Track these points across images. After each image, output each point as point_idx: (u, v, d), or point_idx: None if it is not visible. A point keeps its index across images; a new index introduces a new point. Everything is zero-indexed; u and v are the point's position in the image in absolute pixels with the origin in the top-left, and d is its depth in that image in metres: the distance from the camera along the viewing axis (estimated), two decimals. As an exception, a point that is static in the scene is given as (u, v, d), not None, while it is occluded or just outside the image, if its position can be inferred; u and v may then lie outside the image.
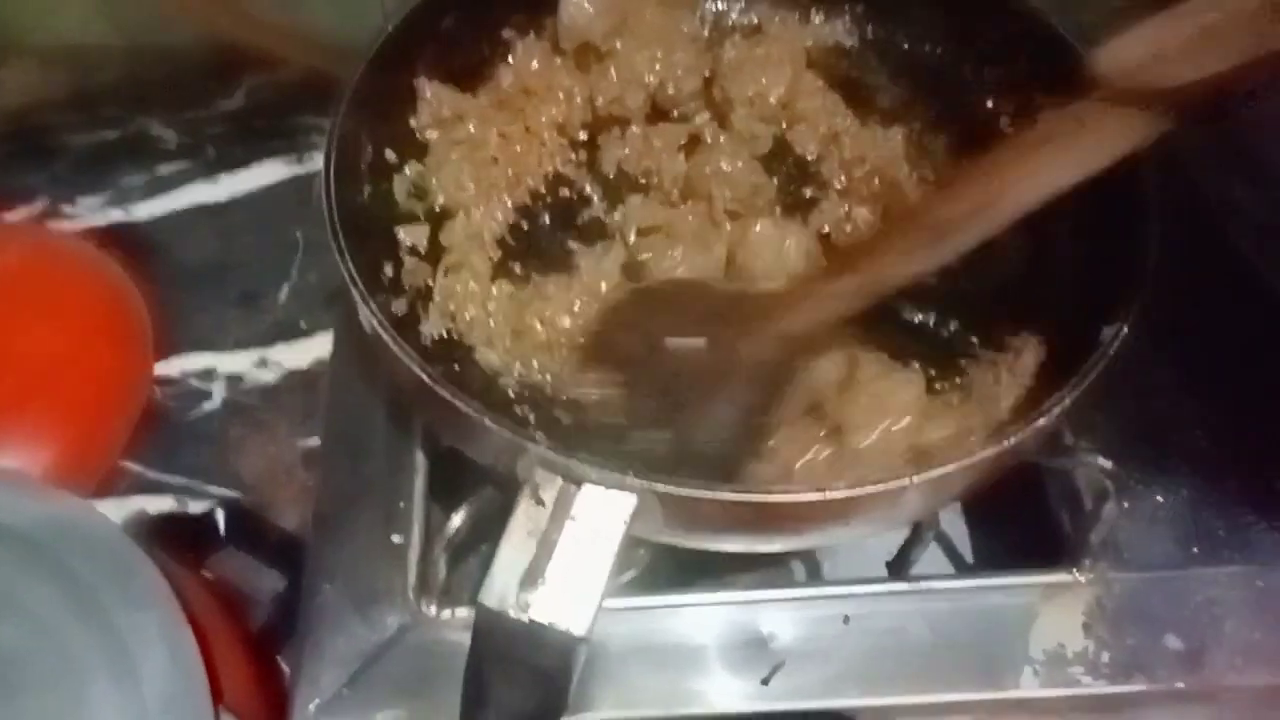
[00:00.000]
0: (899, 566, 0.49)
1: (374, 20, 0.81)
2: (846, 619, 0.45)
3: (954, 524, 0.56)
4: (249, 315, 0.73)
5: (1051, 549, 0.48)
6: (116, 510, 0.63)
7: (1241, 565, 0.47)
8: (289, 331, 0.72)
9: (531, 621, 0.34)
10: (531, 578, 0.34)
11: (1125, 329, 0.38)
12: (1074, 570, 0.46)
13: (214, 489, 0.66)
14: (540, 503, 0.35)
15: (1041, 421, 0.36)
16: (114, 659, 0.42)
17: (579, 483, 0.35)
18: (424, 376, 0.37)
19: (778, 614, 0.45)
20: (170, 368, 0.70)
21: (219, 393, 0.70)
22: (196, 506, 0.65)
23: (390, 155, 0.50)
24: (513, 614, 0.34)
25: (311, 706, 0.42)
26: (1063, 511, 0.49)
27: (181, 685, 0.42)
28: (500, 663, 0.34)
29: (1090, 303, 0.41)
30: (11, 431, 0.63)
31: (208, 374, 0.70)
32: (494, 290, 0.47)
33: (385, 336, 0.38)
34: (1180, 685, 0.44)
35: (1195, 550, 0.47)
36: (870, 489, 0.35)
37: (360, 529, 0.46)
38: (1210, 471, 0.49)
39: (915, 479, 0.34)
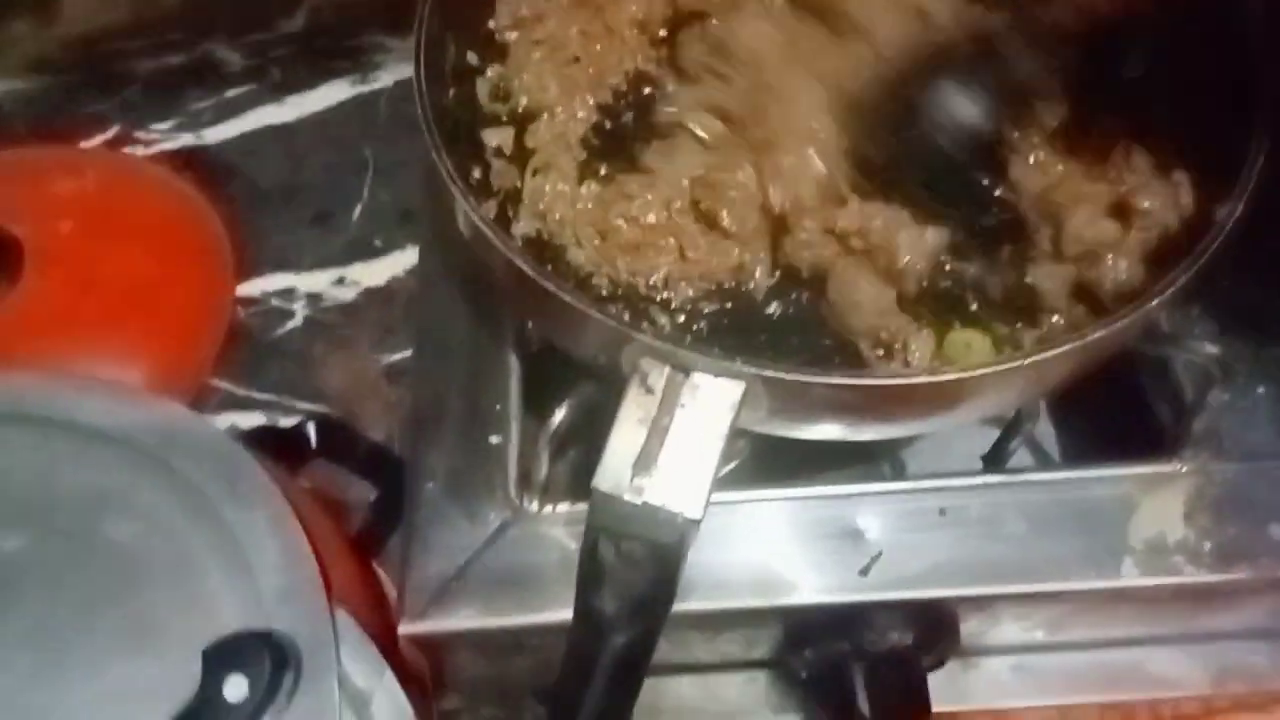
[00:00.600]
0: (995, 457, 0.48)
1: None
2: (942, 511, 0.45)
3: (1041, 427, 0.55)
4: (324, 235, 0.74)
5: (1145, 442, 0.48)
6: (210, 426, 0.65)
7: (1350, 454, 0.46)
8: (364, 250, 0.73)
9: (645, 504, 0.34)
10: (644, 463, 0.34)
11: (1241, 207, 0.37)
12: (1174, 460, 0.45)
13: (301, 404, 0.68)
14: (649, 391, 0.35)
15: (1168, 294, 0.35)
16: (228, 555, 0.43)
17: (687, 371, 0.35)
18: (528, 270, 0.37)
19: (872, 508, 0.45)
20: (252, 288, 0.71)
21: (300, 311, 0.71)
22: (286, 421, 0.66)
23: (472, 58, 0.49)
24: (627, 497, 0.34)
25: (422, 601, 0.43)
26: (1159, 403, 0.48)
27: (296, 577, 0.43)
28: (615, 543, 0.35)
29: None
30: (105, 351, 0.64)
31: (288, 293, 0.71)
32: (581, 190, 0.46)
33: (485, 230, 0.38)
34: (1284, 573, 0.44)
35: (1301, 440, 0.47)
36: (979, 371, 0.34)
37: (458, 431, 0.47)
38: (1316, 360, 0.48)
39: (1026, 361, 0.34)
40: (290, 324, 0.70)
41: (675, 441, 0.35)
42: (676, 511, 0.34)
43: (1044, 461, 0.54)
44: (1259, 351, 0.47)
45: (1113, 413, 0.50)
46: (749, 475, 0.47)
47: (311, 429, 0.62)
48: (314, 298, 0.71)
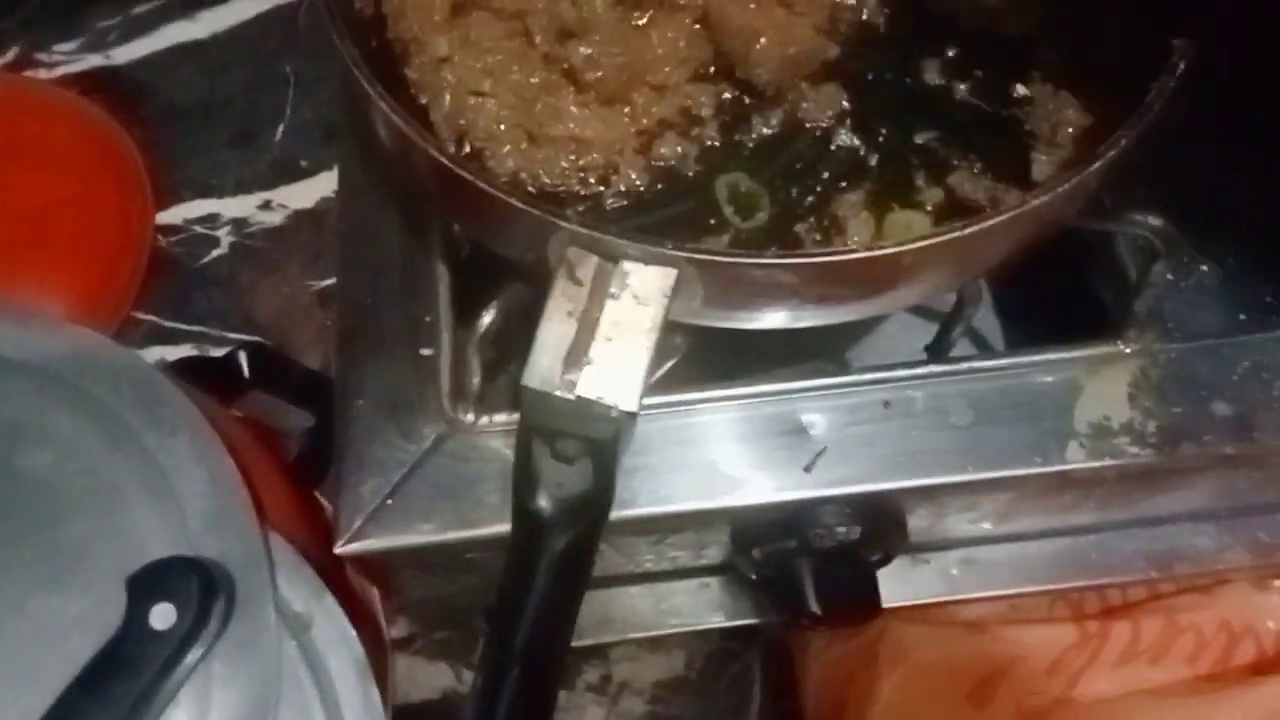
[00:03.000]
0: (937, 351, 0.48)
1: None
2: (886, 404, 0.44)
3: (984, 319, 0.55)
4: (246, 156, 0.71)
5: (1089, 327, 0.47)
6: (136, 359, 0.63)
7: (1291, 329, 0.45)
8: (289, 171, 0.70)
9: (578, 399, 0.33)
10: (575, 357, 0.33)
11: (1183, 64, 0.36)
12: (1118, 341, 0.45)
13: (232, 334, 0.65)
14: (577, 283, 0.34)
15: (1112, 154, 0.34)
16: (150, 482, 0.41)
17: (616, 259, 0.34)
18: (446, 162, 0.35)
19: (816, 403, 0.44)
20: (173, 216, 0.68)
21: (225, 238, 0.68)
22: (216, 352, 0.64)
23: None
24: (558, 393, 0.33)
25: (357, 519, 0.42)
26: (1102, 286, 0.48)
27: (223, 503, 0.41)
28: (549, 442, 0.34)
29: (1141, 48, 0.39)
30: (18, 284, 0.61)
31: (211, 219, 0.69)
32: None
33: (401, 125, 0.36)
34: (1229, 450, 0.44)
35: (1242, 317, 0.46)
36: (916, 245, 0.33)
37: (387, 346, 0.45)
38: (1258, 236, 0.47)
39: (965, 232, 0.33)
40: (216, 251, 0.68)
41: (606, 334, 0.33)
42: (611, 405, 0.33)
43: (987, 351, 0.54)
44: (1202, 227, 0.47)
45: (1055, 298, 0.49)
46: (689, 377, 0.46)
47: (244, 358, 0.60)
48: (239, 223, 0.68)
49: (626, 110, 0.43)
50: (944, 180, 0.44)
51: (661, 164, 0.43)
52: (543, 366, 0.33)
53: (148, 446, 0.42)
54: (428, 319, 0.46)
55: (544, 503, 0.34)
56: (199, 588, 0.38)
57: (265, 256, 0.67)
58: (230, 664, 0.39)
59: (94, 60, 0.73)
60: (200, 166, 0.70)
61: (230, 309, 0.65)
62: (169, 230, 0.67)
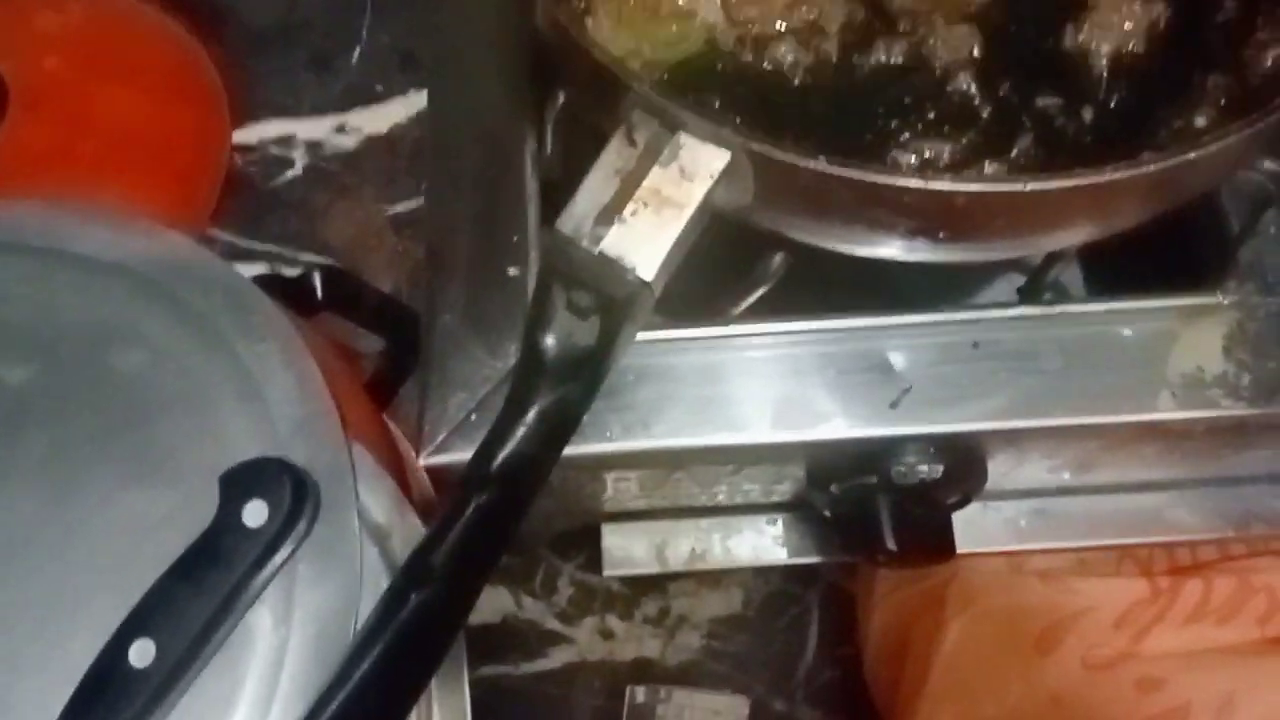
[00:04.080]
0: (1031, 290, 0.47)
1: None
2: (975, 345, 0.44)
3: (1068, 272, 0.54)
4: (322, 79, 0.71)
5: (1182, 274, 0.46)
6: (211, 275, 0.64)
7: (1396, 288, 0.44)
8: (364, 96, 0.70)
9: (600, 254, 0.33)
10: (608, 213, 0.33)
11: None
12: (1216, 292, 0.44)
13: (305, 255, 0.66)
14: (632, 144, 0.34)
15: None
16: (240, 386, 0.42)
17: (674, 129, 0.33)
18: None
19: (903, 340, 0.43)
20: (248, 135, 0.69)
21: (300, 159, 0.68)
22: (290, 272, 0.65)
23: None
24: (585, 244, 0.33)
25: (442, 432, 0.42)
26: (1200, 238, 0.47)
27: (311, 409, 0.42)
28: (566, 288, 0.34)
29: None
30: (100, 193, 0.62)
31: (286, 141, 0.69)
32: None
33: None
34: (1323, 407, 0.43)
35: (1347, 272, 0.45)
36: (982, 186, 0.32)
37: (475, 263, 0.45)
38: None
39: (1028, 186, 0.32)
40: (290, 173, 0.68)
41: (644, 198, 0.33)
42: (629, 267, 0.33)
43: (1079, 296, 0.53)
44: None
45: (1149, 245, 0.48)
46: (779, 308, 0.46)
47: (317, 280, 0.60)
48: (314, 146, 0.69)
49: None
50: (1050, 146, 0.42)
51: (769, 67, 0.42)
52: (576, 215, 0.33)
53: (238, 351, 0.42)
54: (515, 238, 0.46)
55: (550, 343, 0.34)
56: (290, 488, 0.38)
57: (339, 180, 0.67)
58: (315, 566, 0.39)
59: (173, -24, 0.73)
60: (277, 88, 0.70)
61: (304, 231, 0.66)
62: (244, 150, 0.68)
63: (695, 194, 0.33)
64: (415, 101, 0.69)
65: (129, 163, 0.63)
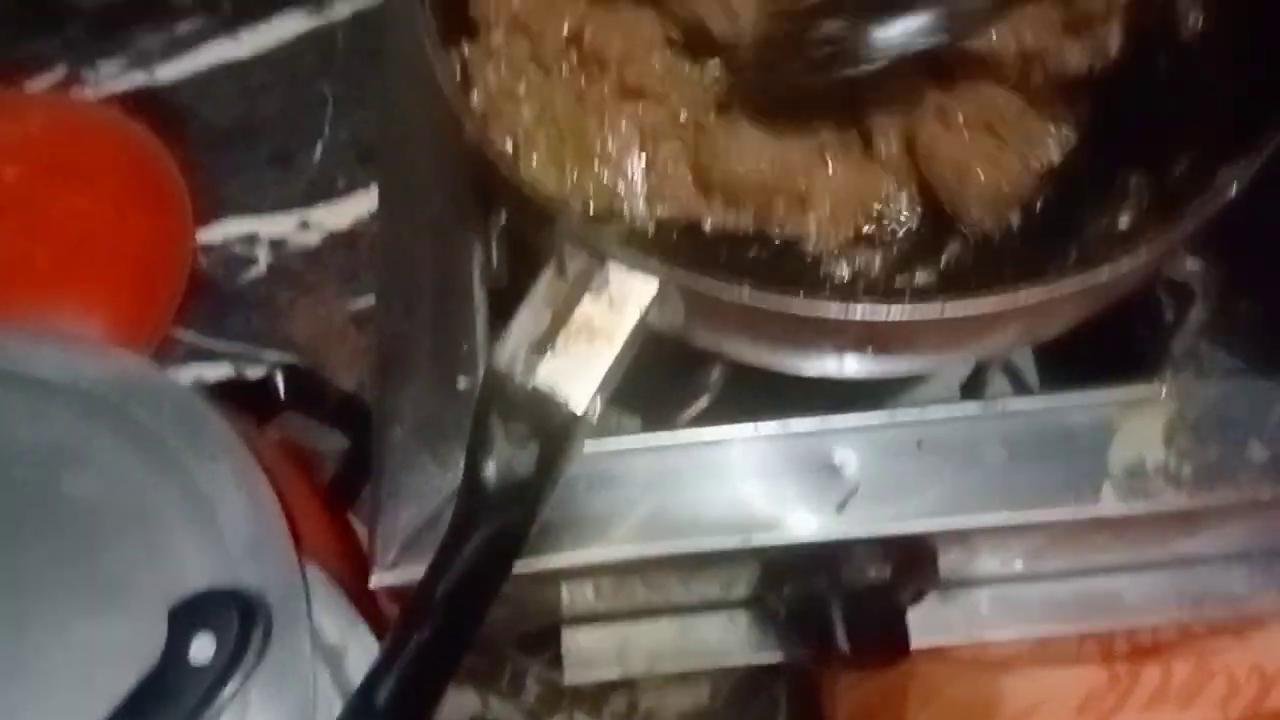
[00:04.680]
0: (973, 387, 0.47)
1: None
2: (920, 443, 0.44)
3: (1018, 354, 0.54)
4: (284, 176, 0.72)
5: (1125, 365, 0.47)
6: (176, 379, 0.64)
7: (1330, 371, 0.45)
8: (326, 191, 0.71)
9: (534, 388, 0.34)
10: (540, 345, 0.34)
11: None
12: (1154, 382, 0.45)
13: (269, 354, 0.66)
14: (563, 276, 0.34)
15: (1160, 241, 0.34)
16: (192, 508, 0.42)
17: (603, 259, 0.34)
18: (456, 109, 0.35)
19: (848, 441, 0.44)
20: (212, 234, 0.69)
21: (263, 257, 0.69)
22: (253, 372, 0.65)
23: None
24: (518, 378, 0.34)
25: (393, 549, 0.42)
26: (1139, 324, 0.47)
27: (262, 530, 0.42)
28: (503, 419, 0.34)
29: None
30: (61, 303, 0.62)
31: (250, 239, 0.70)
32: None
33: (442, 84, 0.36)
34: (1265, 494, 0.43)
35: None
36: (900, 312, 0.33)
37: (424, 374, 0.45)
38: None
39: (947, 311, 0.33)
40: (254, 271, 0.68)
41: (576, 330, 0.34)
42: (562, 401, 0.34)
43: (1022, 389, 0.54)
44: (1237, 264, 0.46)
45: (1091, 336, 0.49)
46: (723, 413, 0.46)
47: (280, 380, 0.61)
48: (277, 243, 0.69)
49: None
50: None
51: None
52: (509, 348, 0.34)
53: (190, 472, 0.43)
54: (464, 348, 0.46)
55: (490, 473, 0.35)
56: (239, 619, 0.38)
57: (302, 277, 0.68)
58: (266, 693, 0.39)
59: (137, 79, 0.75)
60: (239, 185, 0.71)
61: (267, 329, 0.66)
62: (208, 250, 0.68)
63: (625, 324, 0.34)
64: (376, 196, 0.70)
65: (90, 268, 0.63)
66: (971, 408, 0.45)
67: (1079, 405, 0.45)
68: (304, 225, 0.70)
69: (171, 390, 0.46)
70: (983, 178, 0.42)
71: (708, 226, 0.42)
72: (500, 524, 0.35)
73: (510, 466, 0.35)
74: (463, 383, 0.45)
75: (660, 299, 0.35)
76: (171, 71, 0.75)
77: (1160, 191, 0.42)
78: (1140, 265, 0.34)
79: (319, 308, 0.67)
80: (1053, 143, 0.44)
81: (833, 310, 0.33)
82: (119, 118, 0.71)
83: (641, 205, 0.41)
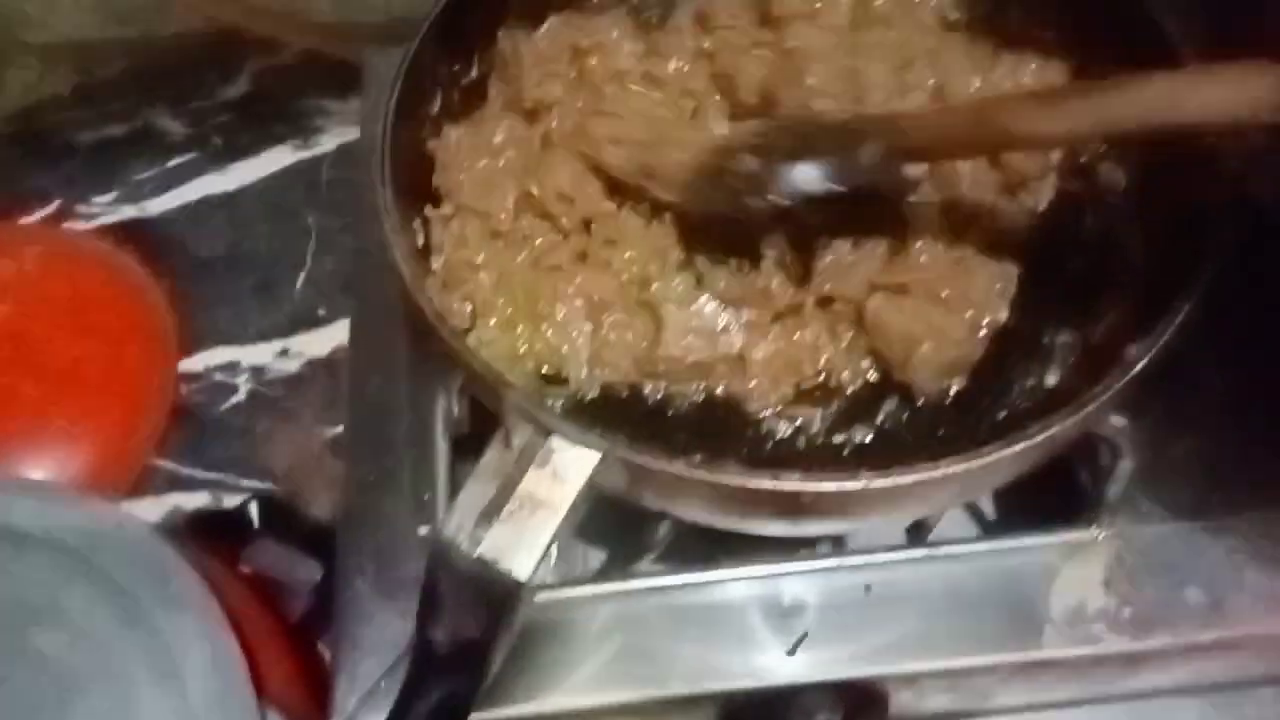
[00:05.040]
0: (918, 531, 0.49)
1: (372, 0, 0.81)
2: (868, 588, 0.46)
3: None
4: (267, 305, 0.74)
5: (1073, 505, 0.48)
6: (153, 508, 0.65)
7: (1260, 512, 0.47)
8: (308, 320, 0.73)
9: (479, 557, 0.36)
10: (486, 516, 0.36)
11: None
12: (1092, 526, 0.46)
13: (246, 482, 0.67)
14: (509, 447, 0.36)
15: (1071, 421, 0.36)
16: (157, 660, 0.43)
17: (547, 432, 0.36)
18: (411, 284, 0.38)
19: (797, 586, 0.45)
20: (195, 363, 0.71)
21: (244, 385, 0.71)
22: (230, 500, 0.66)
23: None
24: (464, 546, 0.36)
25: (352, 700, 0.43)
26: (1081, 468, 0.49)
27: (224, 682, 0.43)
28: (450, 586, 0.36)
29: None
30: (43, 436, 0.64)
31: (231, 367, 0.71)
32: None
33: (398, 258, 0.39)
34: (1202, 637, 0.45)
35: (1214, 500, 0.47)
36: (827, 486, 0.35)
37: (387, 522, 0.47)
38: (1227, 420, 0.49)
39: (871, 483, 0.35)
40: (234, 399, 0.70)
41: (521, 500, 0.36)
42: (506, 570, 0.35)
43: (981, 522, 0.55)
44: (1172, 414, 0.48)
45: (1046, 476, 0.51)
46: (677, 555, 0.48)
47: (254, 510, 0.62)
48: (258, 371, 0.71)
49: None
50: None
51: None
52: (456, 518, 0.36)
53: (156, 624, 0.44)
54: (426, 497, 0.48)
55: (440, 637, 0.36)
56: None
57: (281, 404, 0.70)
58: (225, 846, 0.40)
59: (129, 211, 0.77)
60: (223, 315, 0.73)
61: (245, 456, 0.67)
62: (190, 378, 0.70)
63: (568, 495, 0.36)
64: (351, 331, 0.72)
65: (75, 401, 0.65)
66: (917, 552, 0.47)
67: (1020, 549, 0.47)
68: (284, 353, 0.71)
69: (140, 539, 0.47)
70: (929, 349, 0.44)
71: (648, 390, 0.45)
72: (450, 685, 0.37)
73: (458, 630, 0.37)
74: (424, 531, 0.47)
75: (602, 469, 0.37)
76: (162, 204, 0.78)
77: (1086, 350, 0.44)
78: (1050, 440, 0.36)
79: (296, 435, 0.68)
80: (1000, 302, 0.46)
81: (763, 483, 0.35)
82: (110, 250, 0.73)
83: (586, 371, 0.44)
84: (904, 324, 0.45)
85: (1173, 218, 0.43)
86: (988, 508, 0.56)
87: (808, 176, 0.43)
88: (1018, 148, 0.45)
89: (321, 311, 0.73)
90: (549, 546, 0.36)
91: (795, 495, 0.36)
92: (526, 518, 0.36)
